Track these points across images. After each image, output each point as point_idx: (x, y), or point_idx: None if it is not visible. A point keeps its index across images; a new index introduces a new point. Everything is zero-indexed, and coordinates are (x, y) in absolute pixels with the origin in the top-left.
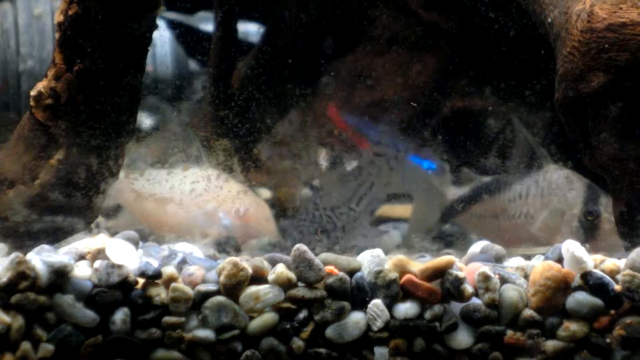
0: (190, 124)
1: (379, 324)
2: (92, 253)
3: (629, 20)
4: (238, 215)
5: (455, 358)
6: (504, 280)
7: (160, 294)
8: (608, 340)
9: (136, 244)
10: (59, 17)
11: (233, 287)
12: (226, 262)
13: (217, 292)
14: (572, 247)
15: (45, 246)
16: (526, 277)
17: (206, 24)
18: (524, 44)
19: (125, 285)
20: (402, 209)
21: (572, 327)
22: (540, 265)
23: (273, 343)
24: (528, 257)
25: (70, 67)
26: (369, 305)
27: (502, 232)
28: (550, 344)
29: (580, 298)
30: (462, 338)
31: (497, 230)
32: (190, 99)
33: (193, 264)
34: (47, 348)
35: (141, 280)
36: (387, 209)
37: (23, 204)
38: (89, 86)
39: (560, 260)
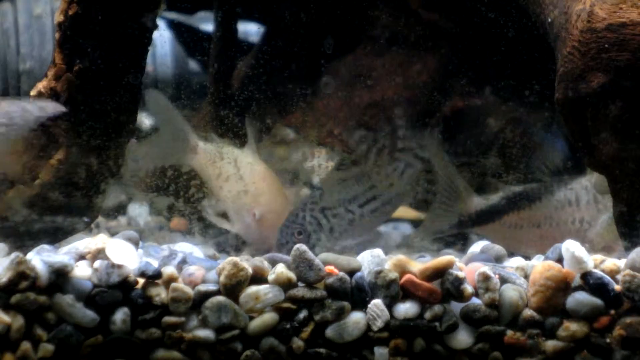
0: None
1: (379, 324)
2: (92, 253)
3: (629, 20)
4: (254, 218)
5: (456, 358)
6: (504, 280)
7: (160, 294)
8: (608, 340)
9: (136, 244)
10: (59, 17)
11: (233, 287)
12: (226, 262)
13: (217, 292)
14: (572, 247)
15: (46, 246)
16: (526, 277)
17: (206, 23)
18: (524, 44)
19: (125, 285)
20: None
21: (572, 327)
22: (540, 265)
23: (273, 343)
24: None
25: (70, 67)
26: (369, 305)
27: (545, 241)
28: (550, 344)
29: (580, 298)
30: (462, 338)
31: (539, 240)
32: None
33: (193, 264)
34: (47, 348)
35: (141, 280)
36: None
37: (23, 204)
38: (89, 86)
39: (560, 260)
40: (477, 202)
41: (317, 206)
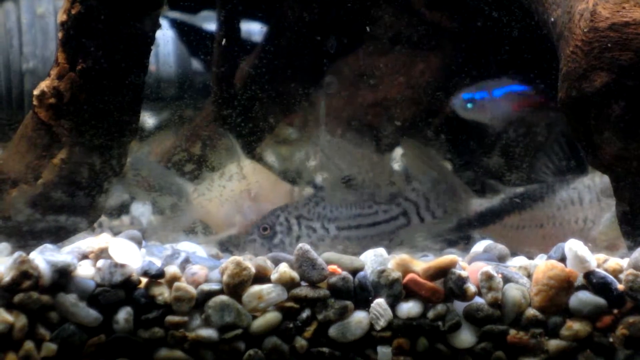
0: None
1: (382, 323)
2: (95, 252)
3: (632, 19)
4: (250, 197)
5: (458, 357)
6: (506, 280)
7: (163, 293)
8: (611, 340)
9: (139, 244)
10: (62, 17)
11: (236, 287)
12: (229, 261)
13: (220, 292)
14: (575, 247)
15: (48, 245)
16: (529, 276)
17: (209, 23)
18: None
19: (128, 284)
20: None
21: (575, 326)
22: (543, 265)
23: (276, 342)
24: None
25: (73, 66)
26: (372, 305)
27: (549, 240)
28: (553, 343)
29: (583, 297)
30: (465, 337)
31: (543, 240)
32: None
33: (196, 263)
34: (50, 347)
35: (144, 280)
36: None
37: (26, 204)
38: (91, 85)
39: (563, 259)
40: (478, 204)
41: (296, 212)
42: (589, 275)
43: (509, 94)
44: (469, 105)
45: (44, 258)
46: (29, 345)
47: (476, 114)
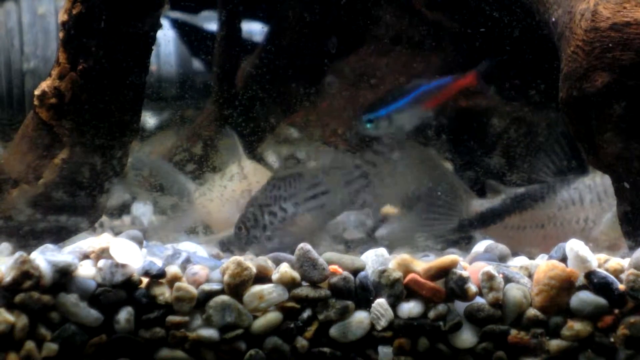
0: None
1: (382, 323)
2: (96, 252)
3: (633, 19)
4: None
5: (459, 357)
6: (508, 280)
7: (164, 293)
8: (612, 340)
9: (140, 244)
10: (62, 16)
11: (237, 287)
12: (230, 261)
13: (221, 292)
14: (576, 246)
15: (49, 245)
16: (530, 276)
17: (210, 23)
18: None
19: (129, 284)
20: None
21: (576, 326)
22: (544, 265)
23: (277, 342)
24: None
25: (74, 66)
26: (373, 305)
27: (550, 241)
28: (554, 343)
29: (584, 297)
30: (466, 337)
31: (544, 240)
32: None
33: (197, 263)
34: (51, 347)
35: (145, 280)
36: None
37: (27, 204)
38: (93, 85)
39: (564, 259)
40: (478, 205)
41: (257, 201)
42: (590, 275)
43: (416, 97)
44: (369, 125)
45: (45, 258)
46: (29, 345)
47: (380, 129)
